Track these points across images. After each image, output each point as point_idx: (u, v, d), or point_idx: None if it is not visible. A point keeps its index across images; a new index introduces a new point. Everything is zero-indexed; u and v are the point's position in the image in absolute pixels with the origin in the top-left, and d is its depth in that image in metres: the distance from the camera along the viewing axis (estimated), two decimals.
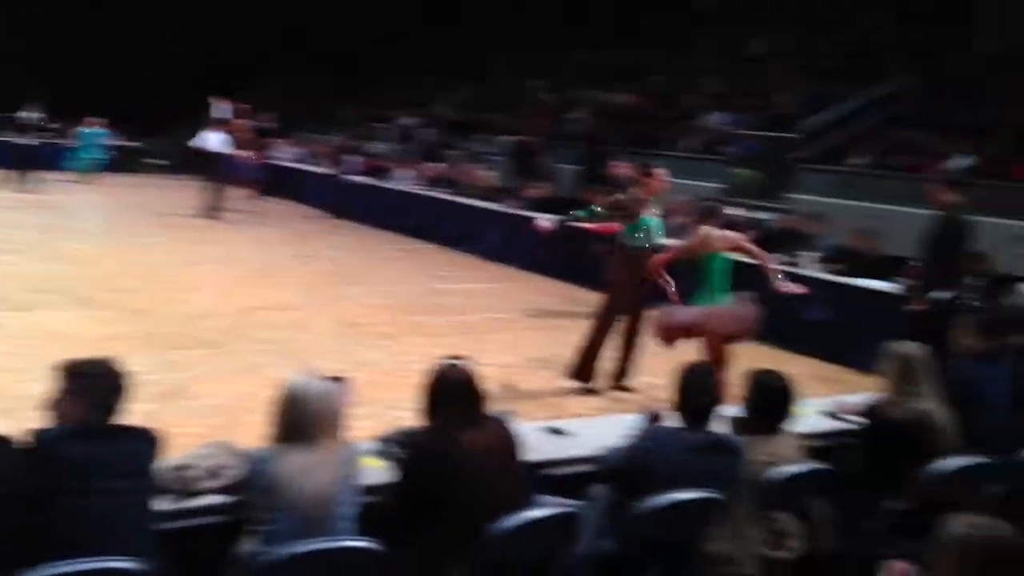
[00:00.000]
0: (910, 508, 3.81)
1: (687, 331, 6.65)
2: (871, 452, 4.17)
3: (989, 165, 10.76)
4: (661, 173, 7.44)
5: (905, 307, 6.81)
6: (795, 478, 3.72)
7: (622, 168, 10.34)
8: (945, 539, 2.28)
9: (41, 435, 2.95)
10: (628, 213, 7.19)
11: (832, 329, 8.88)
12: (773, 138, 13.17)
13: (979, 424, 4.22)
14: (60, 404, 3.10)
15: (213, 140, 16.45)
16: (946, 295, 6.52)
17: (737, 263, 6.97)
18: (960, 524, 2.29)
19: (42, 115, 19.67)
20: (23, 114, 19.36)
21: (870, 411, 4.24)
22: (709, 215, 6.91)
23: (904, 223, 10.66)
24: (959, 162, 11.03)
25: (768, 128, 13.63)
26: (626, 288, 7.20)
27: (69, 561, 2.68)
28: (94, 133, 20.16)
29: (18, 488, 2.84)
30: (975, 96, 12.51)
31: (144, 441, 3.11)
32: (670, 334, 6.68)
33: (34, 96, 19.85)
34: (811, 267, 9.32)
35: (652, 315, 7.05)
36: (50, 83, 23.11)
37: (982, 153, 11.02)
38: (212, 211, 16.06)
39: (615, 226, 7.68)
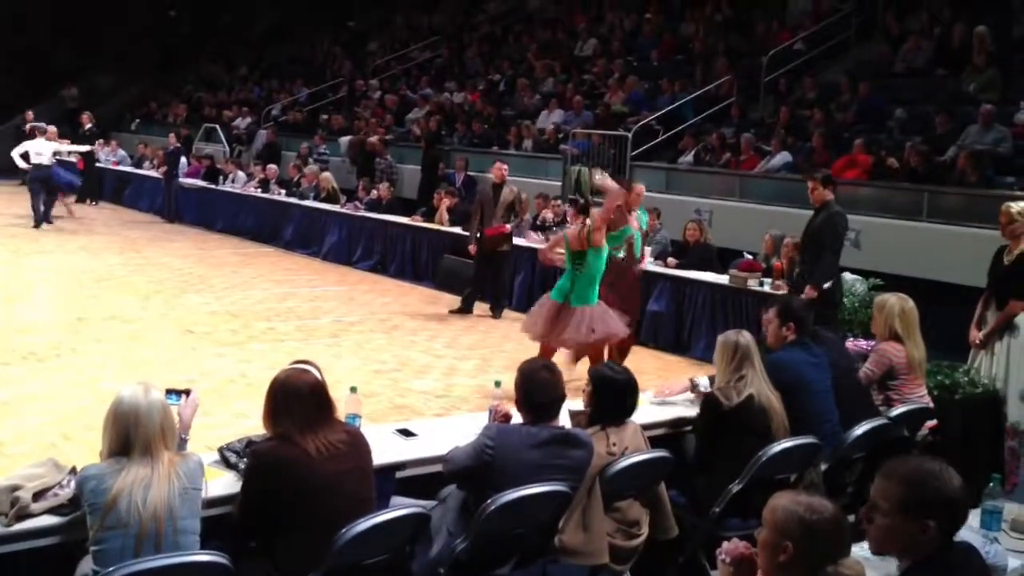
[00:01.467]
0: (746, 488, 4.01)
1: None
2: (708, 436, 4.37)
3: (805, 162, 11.43)
4: (641, 188, 8.22)
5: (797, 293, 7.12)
6: (640, 467, 3.85)
7: (499, 170, 10.43)
8: (776, 522, 2.41)
9: None
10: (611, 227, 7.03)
11: (671, 321, 9.24)
12: (606, 136, 13.55)
13: (806, 406, 4.48)
14: None
15: (36, 147, 15.56)
16: (829, 283, 6.97)
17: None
18: (784, 504, 2.43)
19: None
20: None
21: (705, 398, 4.44)
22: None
23: (728, 217, 11.28)
24: (779, 159, 11.67)
25: (601, 126, 14.02)
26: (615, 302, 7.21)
27: None
28: None
29: None
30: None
31: None
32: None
33: None
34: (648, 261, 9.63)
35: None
36: None
37: (799, 152, 11.69)
38: (42, 218, 15.36)
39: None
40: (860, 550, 2.65)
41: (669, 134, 13.54)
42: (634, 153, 13.08)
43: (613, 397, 4.01)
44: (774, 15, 15.73)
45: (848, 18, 14.63)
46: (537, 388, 3.66)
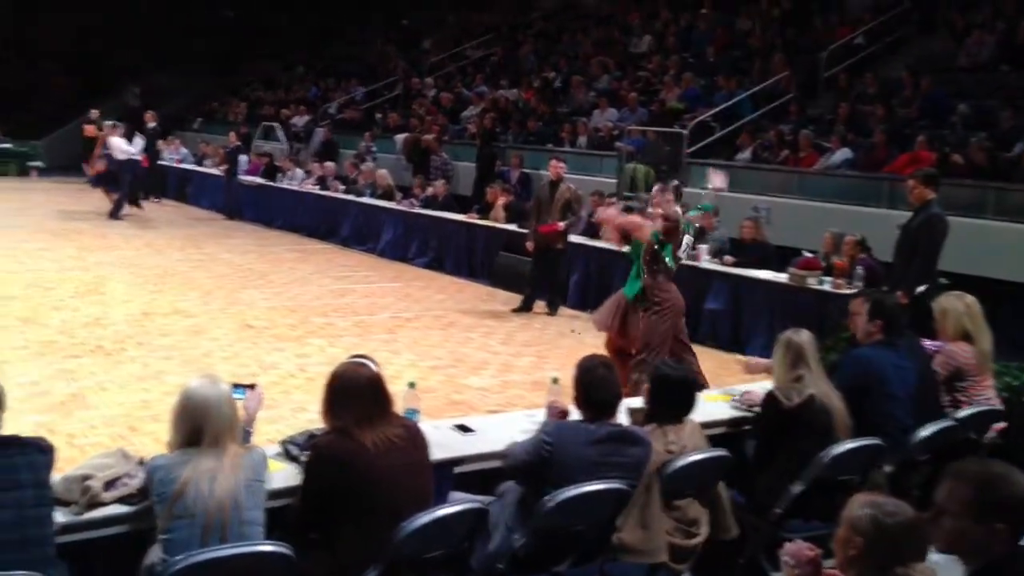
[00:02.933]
0: (808, 489, 3.96)
1: None
2: (768, 436, 4.33)
3: (867, 159, 11.25)
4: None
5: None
6: (699, 465, 3.83)
7: (555, 167, 10.40)
8: (851, 519, 2.41)
9: None
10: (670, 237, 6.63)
11: (727, 319, 9.16)
12: (661, 133, 13.47)
13: (878, 407, 4.41)
14: None
15: (124, 145, 16.26)
16: (922, 289, 6.71)
17: None
18: (862, 503, 2.43)
19: None
20: None
21: (765, 397, 4.39)
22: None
23: (787, 214, 11.14)
24: (839, 156, 11.50)
25: (656, 123, 13.95)
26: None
27: None
28: None
29: None
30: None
31: (37, 452, 2.99)
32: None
33: None
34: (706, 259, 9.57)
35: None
36: None
37: (860, 148, 11.51)
38: (117, 213, 16.06)
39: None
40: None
41: (726, 131, 13.42)
42: (690, 150, 12.99)
43: (671, 394, 3.99)
44: (833, 9, 15.51)
45: (909, 12, 14.37)
46: (595, 385, 3.65)
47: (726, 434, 4.55)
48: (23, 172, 22.64)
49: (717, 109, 13.72)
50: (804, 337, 4.28)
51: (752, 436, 4.56)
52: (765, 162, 12.37)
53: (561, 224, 10.13)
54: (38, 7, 25.66)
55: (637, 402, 4.11)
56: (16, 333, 8.19)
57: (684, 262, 7.20)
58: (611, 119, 14.95)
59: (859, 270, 8.18)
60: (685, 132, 13.01)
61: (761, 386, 4.92)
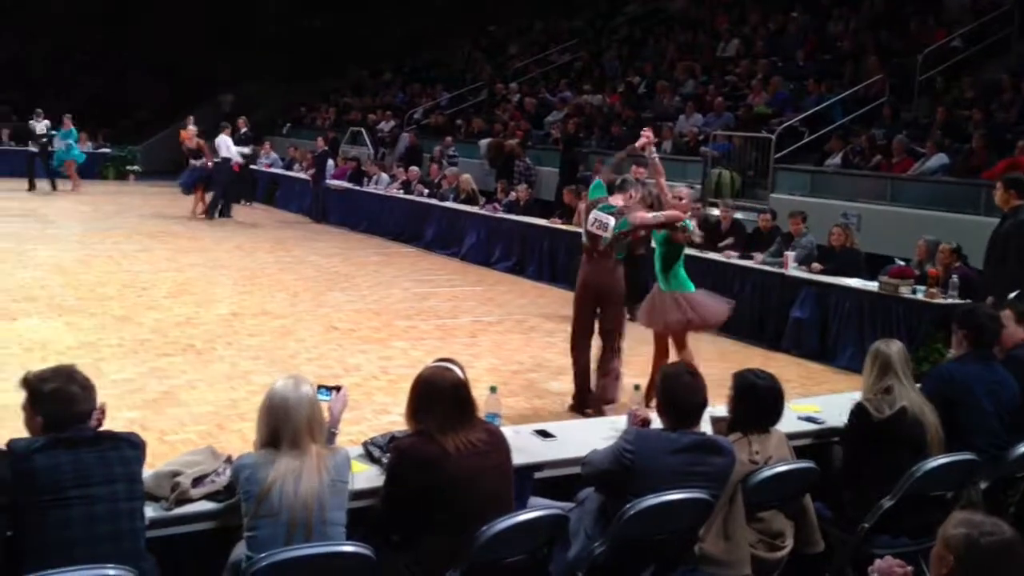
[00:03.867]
0: (898, 504, 3.83)
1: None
2: (856, 448, 4.21)
3: (964, 165, 10.89)
4: None
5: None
6: (784, 477, 3.74)
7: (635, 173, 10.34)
8: (946, 536, 2.33)
9: (13, 445, 2.92)
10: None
11: (815, 328, 8.95)
12: (748, 138, 13.26)
13: (967, 423, 4.26)
14: (26, 415, 3.08)
15: (230, 144, 17.03)
16: (1013, 295, 6.45)
17: None
18: (958, 522, 2.34)
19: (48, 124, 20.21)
20: (33, 123, 19.79)
21: (854, 408, 4.27)
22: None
23: (878, 221, 10.85)
24: (934, 161, 11.15)
25: (743, 128, 13.74)
26: None
27: (55, 570, 2.65)
28: (67, 133, 20.30)
29: (2, 499, 2.82)
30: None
31: (129, 447, 3.07)
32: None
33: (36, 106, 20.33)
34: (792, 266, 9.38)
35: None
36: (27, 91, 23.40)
37: (956, 153, 11.15)
38: (211, 214, 16.82)
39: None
40: None
41: (815, 136, 13.14)
42: (778, 155, 12.75)
43: (756, 404, 3.91)
44: (929, 11, 15.06)
45: (1009, 14, 13.85)
46: (679, 393, 3.59)
47: (813, 445, 4.44)
48: (121, 176, 23.47)
49: (806, 114, 13.45)
50: (895, 348, 4.15)
51: (839, 447, 4.44)
52: (856, 167, 12.07)
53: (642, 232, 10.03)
54: (134, 18, 26.58)
55: (721, 411, 4.03)
56: (112, 331, 8.48)
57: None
58: (696, 124, 14.78)
59: (954, 279, 7.92)
60: (772, 137, 12.78)
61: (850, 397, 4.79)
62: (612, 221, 6.60)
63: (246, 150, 17.12)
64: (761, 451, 3.78)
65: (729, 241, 10.62)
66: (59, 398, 2.99)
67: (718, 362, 8.03)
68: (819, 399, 5.20)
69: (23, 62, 26.54)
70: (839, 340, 8.72)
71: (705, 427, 3.81)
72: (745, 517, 3.68)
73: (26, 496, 2.84)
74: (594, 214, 6.69)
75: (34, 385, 3.04)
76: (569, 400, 7.06)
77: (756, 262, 9.73)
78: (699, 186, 13.25)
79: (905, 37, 14.77)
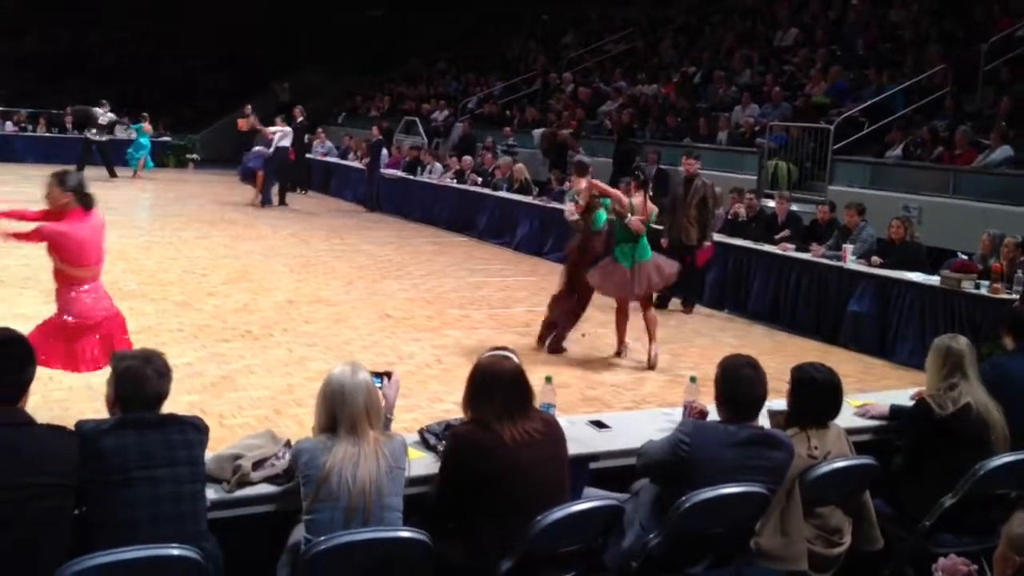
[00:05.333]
0: (961, 503, 3.76)
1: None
2: (918, 445, 4.13)
3: None
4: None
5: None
6: (843, 473, 3.69)
7: (689, 164, 10.29)
8: (1011, 536, 2.28)
9: (82, 426, 2.99)
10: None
11: (873, 323, 8.81)
12: (806, 129, 13.06)
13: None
14: (107, 390, 3.17)
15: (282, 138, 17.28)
16: None
17: None
18: (1022, 521, 2.29)
19: (111, 113, 20.68)
20: (98, 111, 20.20)
21: (916, 404, 4.19)
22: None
23: (940, 214, 10.63)
24: (999, 153, 10.88)
25: (801, 119, 13.53)
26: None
27: (120, 549, 2.72)
28: (139, 128, 20.84)
29: (71, 478, 2.89)
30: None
31: (192, 430, 3.13)
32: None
33: (98, 95, 20.78)
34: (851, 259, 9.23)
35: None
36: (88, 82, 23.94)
37: (1022, 144, 10.86)
38: (269, 202, 17.16)
39: None
40: None
41: (875, 127, 12.89)
42: (836, 147, 12.55)
43: (814, 398, 3.85)
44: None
45: None
46: (738, 385, 3.55)
47: (873, 441, 4.36)
48: (181, 164, 23.89)
49: (866, 104, 13.20)
50: (962, 344, 4.07)
51: (901, 445, 4.37)
52: (917, 159, 11.83)
53: (709, 243, 10.00)
54: (195, 7, 26.98)
55: (778, 404, 3.98)
56: (173, 317, 8.64)
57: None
58: (753, 114, 14.60)
59: (1019, 274, 7.73)
60: (831, 128, 12.57)
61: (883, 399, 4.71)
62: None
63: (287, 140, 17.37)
64: (820, 446, 3.73)
65: (785, 233, 10.48)
66: (130, 377, 3.06)
67: (774, 355, 7.96)
68: (879, 395, 5.11)
69: (84, 51, 27.11)
70: (899, 335, 8.57)
71: (763, 421, 3.77)
72: (803, 512, 3.63)
73: (93, 476, 2.91)
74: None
75: (115, 362, 3.15)
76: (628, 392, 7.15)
77: (814, 255, 9.59)
78: (755, 177, 13.13)
79: (969, 25, 14.42)
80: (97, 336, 5.49)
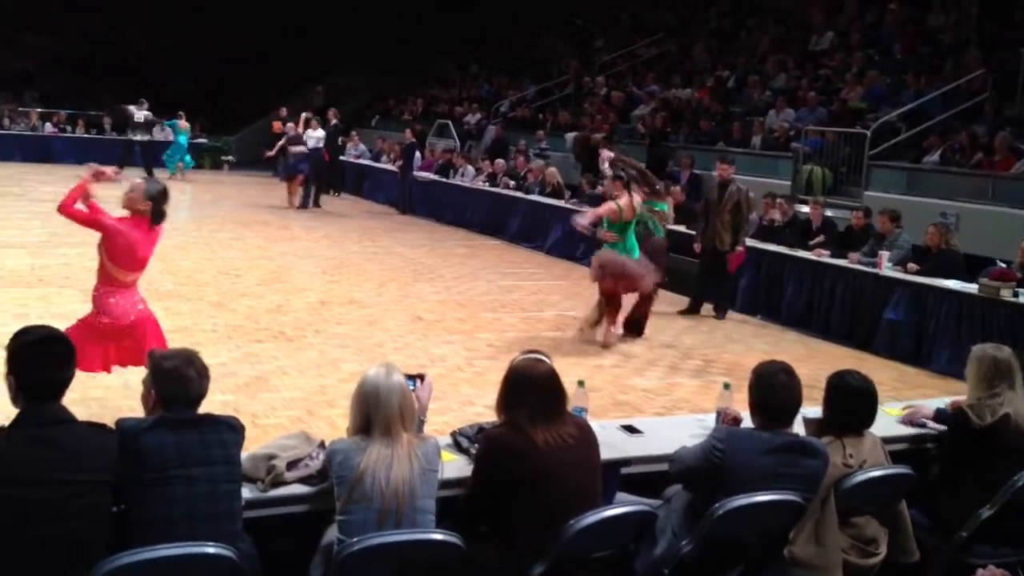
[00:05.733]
0: (999, 514, 3.71)
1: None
2: (955, 455, 4.08)
3: None
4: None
5: None
6: (879, 482, 3.65)
7: (723, 169, 10.22)
8: None
9: (122, 424, 3.03)
10: None
11: (909, 330, 8.71)
12: (842, 134, 12.95)
13: None
14: (144, 389, 3.20)
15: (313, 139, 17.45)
16: None
17: None
18: None
19: (148, 111, 20.94)
20: (133, 108, 20.43)
21: (954, 414, 4.14)
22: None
23: (978, 221, 10.49)
24: None
25: (837, 124, 13.42)
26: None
27: (157, 546, 2.75)
28: (174, 125, 21.08)
29: (110, 475, 2.93)
30: None
31: (229, 430, 3.16)
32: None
33: (136, 96, 21.03)
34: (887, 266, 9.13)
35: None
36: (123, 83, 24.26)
37: None
38: (305, 205, 17.30)
39: None
40: None
41: (912, 132, 12.74)
42: (872, 152, 12.42)
43: (850, 406, 3.81)
44: None
45: None
46: (774, 392, 3.53)
47: (909, 450, 4.32)
48: (216, 166, 24.15)
49: (903, 109, 13.07)
50: (1006, 353, 4.02)
51: (937, 453, 4.32)
52: (955, 165, 11.68)
53: (740, 249, 9.94)
54: (231, 10, 27.25)
55: (813, 412, 3.94)
56: (207, 317, 8.73)
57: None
58: (787, 119, 14.49)
59: None
60: (867, 133, 12.45)
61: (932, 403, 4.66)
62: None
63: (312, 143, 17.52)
64: (855, 455, 3.69)
65: (820, 239, 10.40)
66: (175, 377, 3.10)
67: (807, 362, 7.90)
68: (916, 403, 5.04)
69: (123, 50, 27.44)
70: (935, 344, 8.46)
71: (797, 428, 3.74)
72: (838, 522, 3.60)
73: (132, 474, 2.94)
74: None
75: (156, 361, 3.18)
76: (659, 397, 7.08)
77: (850, 261, 9.50)
78: (789, 182, 13.03)
79: (1009, 30, 14.22)
80: (128, 338, 5.55)
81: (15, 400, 2.96)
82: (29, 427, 2.87)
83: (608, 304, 8.64)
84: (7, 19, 26.03)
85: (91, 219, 5.34)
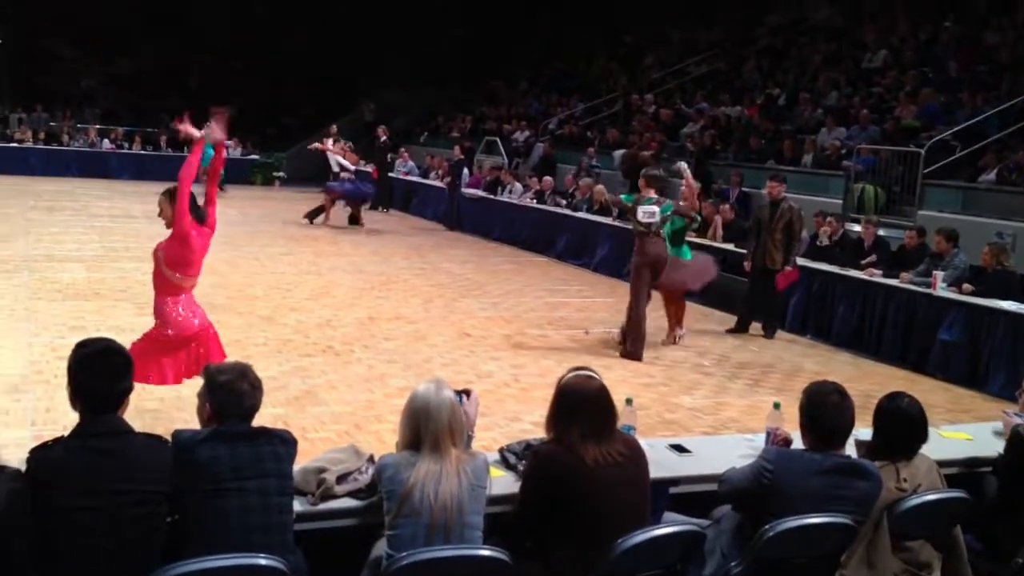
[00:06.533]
0: None
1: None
2: (1012, 478, 3.99)
3: None
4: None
5: None
6: (934, 506, 3.59)
7: (772, 187, 10.14)
8: None
9: (178, 436, 3.09)
10: None
11: (963, 352, 8.55)
12: (895, 152, 12.78)
13: None
14: (199, 402, 3.26)
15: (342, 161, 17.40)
16: None
17: None
18: None
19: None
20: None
21: (1011, 436, 4.06)
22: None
23: None
24: None
25: (890, 142, 13.26)
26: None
27: (210, 556, 2.79)
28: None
29: (166, 486, 2.98)
30: None
31: (282, 443, 3.20)
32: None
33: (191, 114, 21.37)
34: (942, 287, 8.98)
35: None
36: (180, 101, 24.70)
37: None
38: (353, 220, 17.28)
39: None
40: None
41: (968, 151, 12.54)
42: (926, 171, 12.24)
43: (903, 428, 3.75)
44: None
45: None
46: (826, 413, 3.48)
47: (964, 474, 4.23)
48: (268, 182, 24.52)
49: (959, 127, 12.87)
50: None
51: (993, 476, 4.23)
52: (1012, 184, 11.47)
53: (789, 268, 9.84)
54: (283, 30, 27.70)
55: (865, 433, 3.89)
56: (258, 331, 8.85)
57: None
58: (839, 137, 14.34)
59: None
60: (922, 151, 12.28)
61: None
62: (657, 208, 8.81)
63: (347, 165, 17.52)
64: (909, 478, 3.63)
65: (872, 259, 10.26)
66: (229, 391, 3.15)
67: (859, 382, 7.79)
68: (971, 426, 4.96)
69: (183, 70, 28.04)
70: (991, 366, 8.31)
71: (849, 450, 3.69)
72: (891, 545, 3.54)
73: (187, 484, 2.99)
74: (642, 209, 8.85)
75: (211, 375, 3.24)
76: (706, 416, 7.05)
77: (902, 281, 9.36)
78: (840, 201, 12.89)
79: None
80: (191, 348, 5.63)
81: (74, 408, 3.03)
82: (88, 437, 2.93)
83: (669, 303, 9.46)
84: (75, 44, 26.86)
85: (184, 208, 5.37)
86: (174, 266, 5.51)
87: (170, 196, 5.47)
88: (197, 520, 3.00)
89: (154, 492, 2.94)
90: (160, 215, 5.57)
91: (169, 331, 5.55)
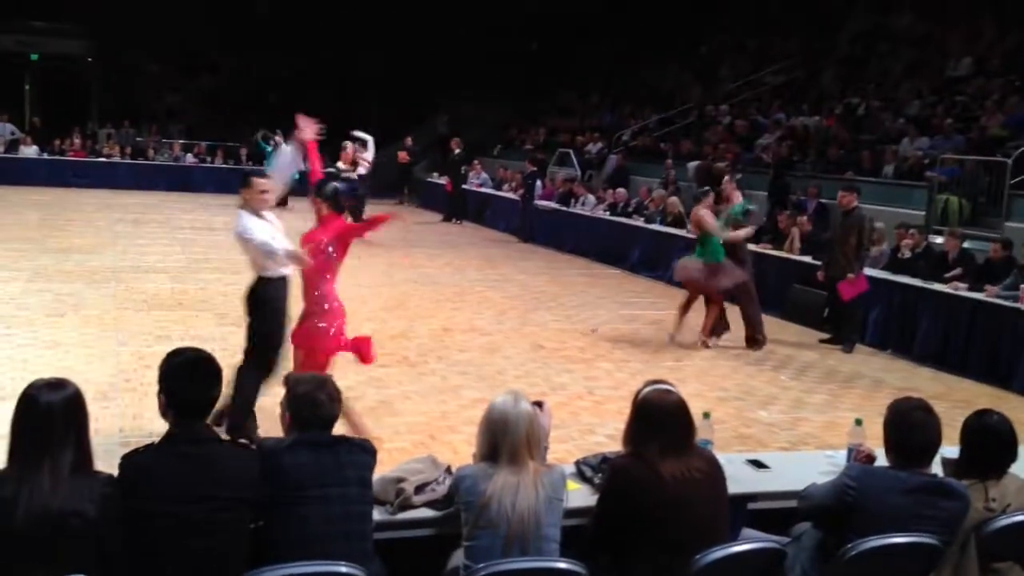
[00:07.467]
0: None
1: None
2: None
3: None
4: None
5: None
6: (1023, 527, 3.48)
7: (844, 197, 9.99)
8: None
9: (263, 444, 3.17)
10: None
11: None
12: (980, 162, 12.43)
13: None
14: (280, 410, 3.33)
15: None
16: None
17: None
18: None
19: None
20: (279, 139, 21.27)
21: None
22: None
23: None
24: None
25: (975, 152, 12.90)
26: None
27: (292, 563, 2.85)
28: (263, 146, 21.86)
29: (251, 493, 3.05)
30: None
31: (363, 452, 3.26)
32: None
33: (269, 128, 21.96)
34: None
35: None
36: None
37: None
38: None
39: None
40: None
41: None
42: (1013, 181, 11.89)
43: (992, 447, 3.64)
44: None
45: None
46: (911, 430, 3.41)
47: None
48: None
49: None
50: None
51: None
52: None
53: (853, 276, 9.64)
54: (358, 43, 28.15)
55: (954, 452, 3.78)
56: None
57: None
58: (921, 147, 14.02)
59: None
60: (1008, 161, 11.93)
61: None
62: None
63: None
64: (999, 498, 3.52)
65: (957, 272, 9.99)
66: (307, 401, 3.22)
67: (943, 399, 7.59)
68: None
69: (266, 87, 28.71)
70: None
71: (935, 468, 3.59)
72: (979, 567, 3.44)
73: (271, 492, 3.06)
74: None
75: (291, 385, 3.33)
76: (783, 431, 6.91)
77: (988, 295, 9.10)
78: (923, 212, 12.59)
79: None
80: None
81: (164, 415, 3.12)
82: (179, 443, 3.02)
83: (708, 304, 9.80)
84: (159, 60, 27.73)
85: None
86: (341, 257, 6.32)
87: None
88: (280, 527, 3.06)
89: (240, 499, 3.01)
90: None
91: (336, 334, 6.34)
